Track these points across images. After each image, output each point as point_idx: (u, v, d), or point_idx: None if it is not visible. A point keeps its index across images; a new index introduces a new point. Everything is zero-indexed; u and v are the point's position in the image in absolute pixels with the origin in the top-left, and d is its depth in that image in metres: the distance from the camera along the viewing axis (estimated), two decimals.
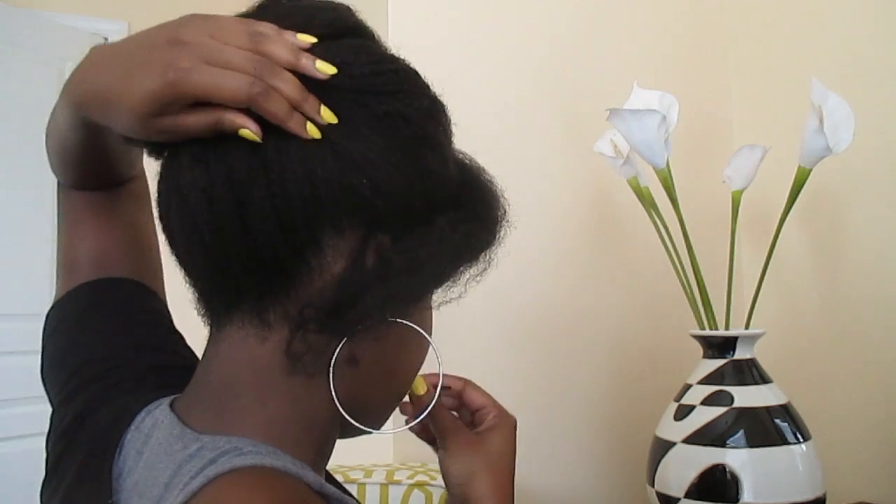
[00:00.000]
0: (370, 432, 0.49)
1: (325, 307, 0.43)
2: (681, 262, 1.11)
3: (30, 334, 2.95)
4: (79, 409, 0.52)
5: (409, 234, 0.44)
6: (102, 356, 0.55)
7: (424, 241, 0.44)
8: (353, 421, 0.46)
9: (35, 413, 2.38)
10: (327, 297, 0.43)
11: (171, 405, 0.48)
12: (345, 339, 0.44)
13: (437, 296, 0.50)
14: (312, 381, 0.45)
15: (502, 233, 0.49)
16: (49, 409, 0.55)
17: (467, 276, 0.48)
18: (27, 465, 2.22)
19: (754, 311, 1.09)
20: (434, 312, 0.51)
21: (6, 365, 2.38)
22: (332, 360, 0.44)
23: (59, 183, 0.61)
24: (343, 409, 0.45)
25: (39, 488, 0.52)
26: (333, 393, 0.45)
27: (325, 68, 0.42)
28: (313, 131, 0.41)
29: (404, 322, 0.47)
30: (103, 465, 0.47)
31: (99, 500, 0.46)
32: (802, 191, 1.06)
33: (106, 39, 2.74)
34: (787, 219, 1.07)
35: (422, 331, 0.48)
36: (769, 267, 1.08)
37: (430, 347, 0.50)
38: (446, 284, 0.48)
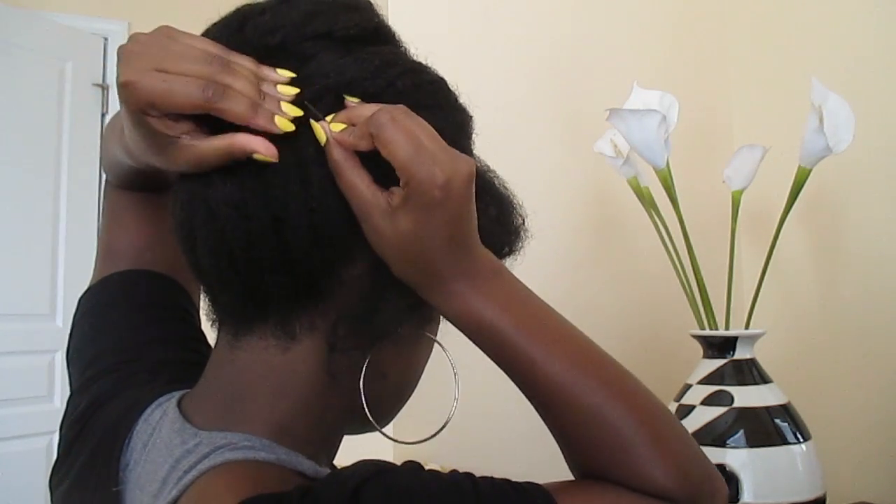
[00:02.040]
0: (379, 430, 0.49)
1: (359, 319, 0.44)
2: (681, 262, 1.11)
3: (30, 334, 2.96)
4: (94, 397, 0.53)
5: None
6: (121, 347, 0.56)
7: None
8: (377, 426, 0.47)
9: (35, 413, 2.40)
10: (360, 310, 0.44)
11: (179, 401, 0.49)
12: (371, 348, 0.45)
13: None
14: (333, 388, 0.45)
15: (521, 243, 0.50)
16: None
17: None
18: (27, 465, 2.24)
19: (754, 311, 1.09)
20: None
21: (6, 365, 2.38)
22: (364, 370, 0.45)
23: (106, 179, 0.63)
24: (350, 409, 0.46)
25: (48, 476, 0.53)
26: (364, 401, 0.45)
27: (286, 73, 0.42)
28: (285, 125, 0.41)
29: (427, 335, 0.49)
30: (112, 454, 0.48)
31: (106, 488, 0.47)
32: (802, 191, 1.06)
33: (106, 39, 2.74)
34: (787, 219, 1.07)
35: (437, 340, 0.49)
36: (769, 267, 1.08)
37: (444, 352, 0.51)
38: None
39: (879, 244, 1.21)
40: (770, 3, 1.44)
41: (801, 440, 0.99)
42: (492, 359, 0.46)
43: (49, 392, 2.45)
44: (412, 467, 0.41)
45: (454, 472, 0.41)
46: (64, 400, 0.57)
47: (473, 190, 0.43)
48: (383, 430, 0.49)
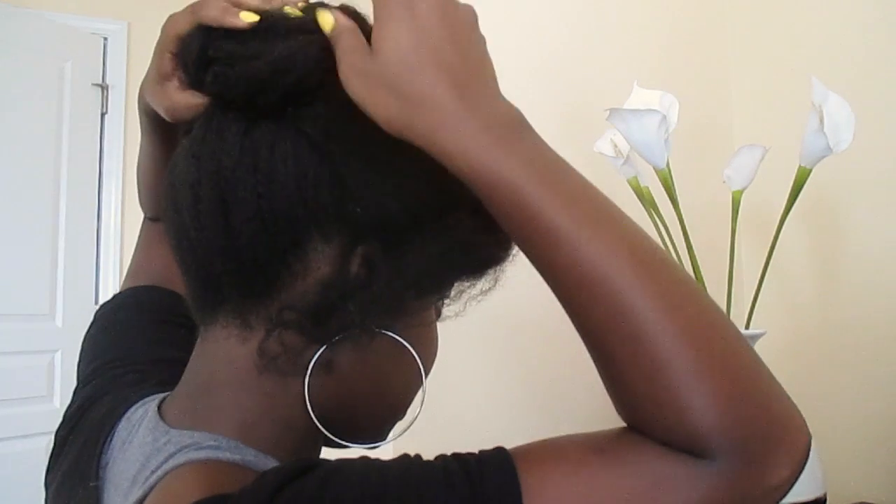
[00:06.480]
0: (348, 446, 0.46)
1: (306, 311, 0.42)
2: (681, 262, 1.11)
3: (30, 334, 2.96)
4: (85, 396, 0.54)
5: (398, 241, 0.42)
6: (118, 351, 0.57)
7: (413, 249, 0.42)
8: (322, 428, 0.43)
9: (35, 413, 2.40)
10: (308, 302, 0.42)
11: (162, 400, 0.49)
12: (325, 345, 0.42)
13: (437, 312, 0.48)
14: (287, 383, 0.43)
15: (513, 251, 0.46)
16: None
17: (470, 294, 0.46)
18: (27, 465, 2.24)
19: (754, 311, 1.09)
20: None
21: (6, 365, 2.38)
22: (310, 365, 0.43)
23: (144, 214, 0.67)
24: (322, 416, 0.43)
25: (44, 475, 0.54)
26: (306, 397, 0.43)
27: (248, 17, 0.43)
28: (248, 17, 0.42)
29: (388, 333, 0.43)
30: (94, 451, 0.48)
31: (86, 484, 0.47)
32: (802, 191, 1.06)
33: (106, 39, 2.74)
34: (787, 219, 1.07)
35: (407, 345, 0.44)
36: (769, 267, 1.08)
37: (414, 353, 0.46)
38: (443, 299, 0.46)
39: (879, 244, 1.21)
40: (770, 3, 1.44)
41: None
42: (506, 227, 0.39)
43: (49, 392, 2.44)
44: (344, 462, 0.37)
45: (403, 455, 0.37)
46: (64, 400, 0.58)
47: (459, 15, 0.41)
48: (370, 442, 0.47)
